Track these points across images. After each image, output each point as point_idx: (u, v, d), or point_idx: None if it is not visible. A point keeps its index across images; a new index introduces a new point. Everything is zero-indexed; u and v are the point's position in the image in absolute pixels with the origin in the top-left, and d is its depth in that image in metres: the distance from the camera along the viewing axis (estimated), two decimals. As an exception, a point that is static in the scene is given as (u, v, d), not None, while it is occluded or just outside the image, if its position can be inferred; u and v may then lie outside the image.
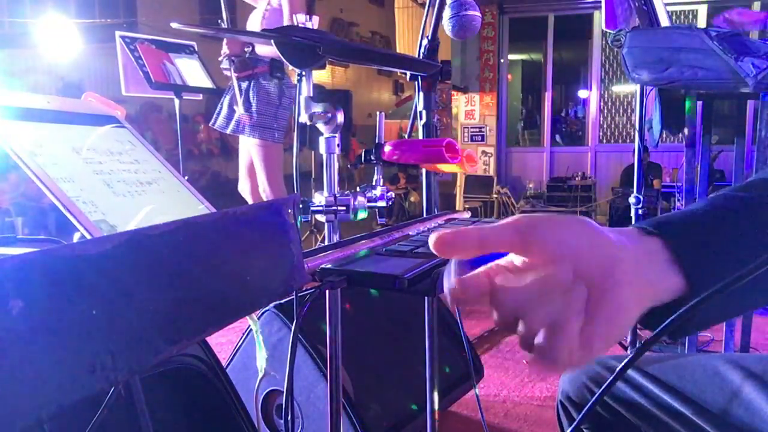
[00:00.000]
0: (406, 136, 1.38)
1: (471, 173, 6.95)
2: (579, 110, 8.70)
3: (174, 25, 1.09)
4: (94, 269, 0.33)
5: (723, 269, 0.43)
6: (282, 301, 1.63)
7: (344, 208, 0.99)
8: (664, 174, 5.23)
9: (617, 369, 0.41)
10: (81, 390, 0.31)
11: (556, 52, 7.70)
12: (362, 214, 1.01)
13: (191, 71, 2.98)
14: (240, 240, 0.44)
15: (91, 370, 0.32)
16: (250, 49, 2.79)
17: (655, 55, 1.66)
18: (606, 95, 7.38)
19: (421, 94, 1.16)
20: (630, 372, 0.80)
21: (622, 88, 7.30)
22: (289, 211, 0.50)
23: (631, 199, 2.48)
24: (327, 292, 0.88)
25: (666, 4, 1.93)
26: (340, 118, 0.96)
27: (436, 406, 1.12)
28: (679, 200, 4.10)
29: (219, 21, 2.83)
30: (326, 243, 0.78)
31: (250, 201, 3.07)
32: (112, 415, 0.75)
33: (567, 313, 0.39)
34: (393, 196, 1.12)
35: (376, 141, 1.12)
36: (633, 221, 2.47)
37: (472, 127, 7.35)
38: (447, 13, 1.15)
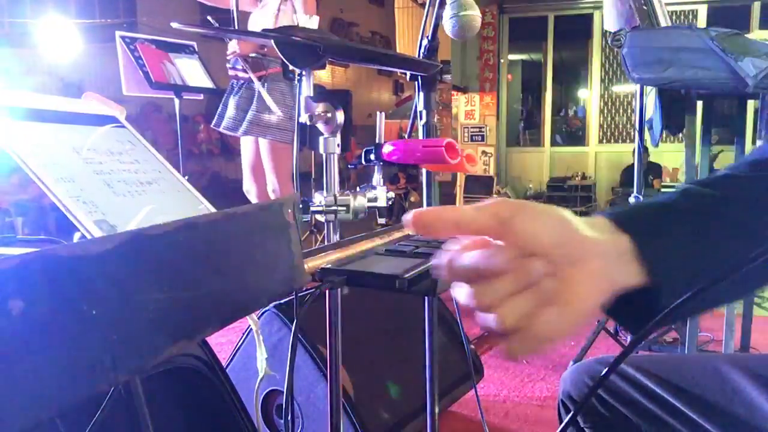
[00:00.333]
0: (406, 136, 1.38)
1: (471, 173, 6.94)
2: (579, 110, 8.70)
3: (174, 25, 1.09)
4: (94, 269, 0.33)
5: (690, 271, 0.45)
6: (282, 301, 1.63)
7: (344, 208, 0.99)
8: (664, 174, 5.23)
9: (608, 367, 0.42)
10: (81, 390, 0.31)
11: (556, 52, 7.70)
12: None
13: (191, 71, 2.98)
14: (240, 240, 0.44)
15: (91, 370, 0.32)
16: (265, 49, 2.76)
17: (655, 55, 1.66)
18: (606, 95, 7.38)
19: (421, 94, 1.16)
20: (631, 371, 0.80)
21: (622, 88, 7.30)
22: (289, 211, 0.50)
23: (631, 199, 2.48)
24: (327, 292, 0.88)
25: (666, 4, 1.93)
26: (340, 118, 0.96)
27: (436, 406, 1.12)
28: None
29: (209, 18, 2.80)
30: (326, 243, 0.78)
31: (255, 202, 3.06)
32: (112, 415, 0.75)
33: (534, 305, 0.41)
34: (393, 196, 1.12)
35: (376, 141, 1.12)
36: (633, 221, 2.47)
37: (472, 127, 7.34)
38: (447, 13, 1.15)
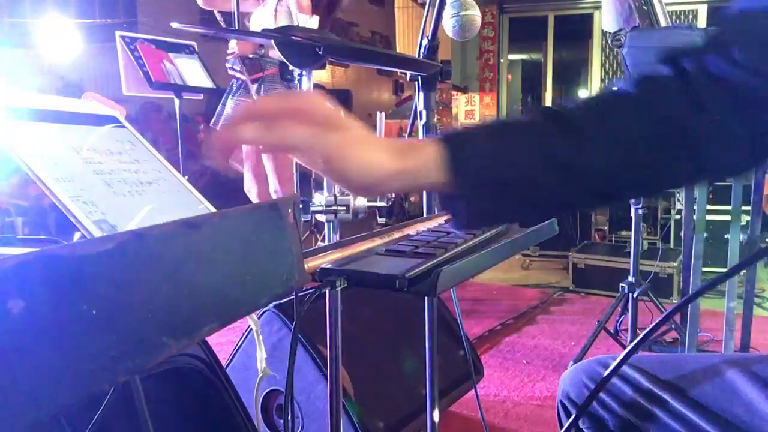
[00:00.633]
0: (406, 136, 1.38)
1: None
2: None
3: (174, 25, 1.09)
4: (94, 269, 0.33)
5: (487, 173, 0.55)
6: (282, 301, 1.63)
7: (344, 208, 0.99)
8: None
9: (617, 361, 0.43)
10: (81, 390, 0.31)
11: (556, 52, 7.69)
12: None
13: (191, 71, 2.98)
14: (240, 240, 0.44)
15: (91, 370, 0.32)
16: (263, 51, 2.77)
17: (655, 55, 1.66)
18: (606, 95, 7.37)
19: (421, 94, 1.16)
20: (630, 371, 0.80)
21: (622, 88, 7.28)
22: (289, 211, 0.50)
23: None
24: (327, 292, 0.88)
25: (666, 4, 1.93)
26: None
27: (436, 406, 1.12)
28: (679, 200, 4.10)
29: (219, 19, 2.81)
30: (326, 243, 0.78)
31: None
32: (112, 415, 0.75)
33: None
34: (393, 196, 1.12)
35: (376, 141, 1.12)
36: (633, 221, 2.47)
37: (472, 127, 7.33)
38: (447, 13, 1.15)
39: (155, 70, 2.78)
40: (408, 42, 8.07)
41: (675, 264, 3.44)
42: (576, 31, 7.64)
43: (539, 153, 0.56)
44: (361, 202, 1.01)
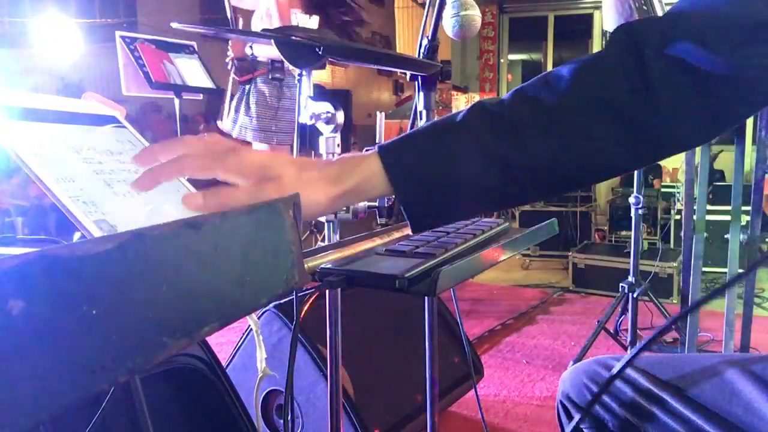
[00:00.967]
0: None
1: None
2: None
3: (174, 25, 1.09)
4: (94, 269, 0.33)
5: (424, 180, 0.57)
6: (282, 301, 1.63)
7: (344, 208, 0.99)
8: (664, 174, 5.23)
9: (617, 368, 0.43)
10: (81, 390, 0.31)
11: (556, 52, 7.70)
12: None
13: (191, 71, 2.98)
14: (240, 240, 0.44)
15: (91, 370, 0.32)
16: (251, 52, 2.80)
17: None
18: (606, 95, 7.37)
19: (421, 94, 1.16)
20: (630, 372, 0.80)
21: (622, 88, 7.29)
22: (289, 211, 0.50)
23: (631, 199, 2.48)
24: (327, 292, 0.88)
25: (666, 4, 1.93)
26: (340, 118, 0.96)
27: (436, 406, 1.12)
28: (679, 200, 4.10)
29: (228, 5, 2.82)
30: (326, 243, 0.78)
31: None
32: (112, 415, 0.75)
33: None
34: (394, 196, 1.12)
35: (376, 141, 1.12)
36: (633, 221, 2.48)
37: (472, 127, 7.33)
38: (447, 12, 1.15)
39: (155, 70, 2.78)
40: (408, 42, 8.07)
41: (675, 264, 3.44)
42: (576, 31, 7.64)
43: (475, 152, 0.57)
44: (361, 202, 1.01)
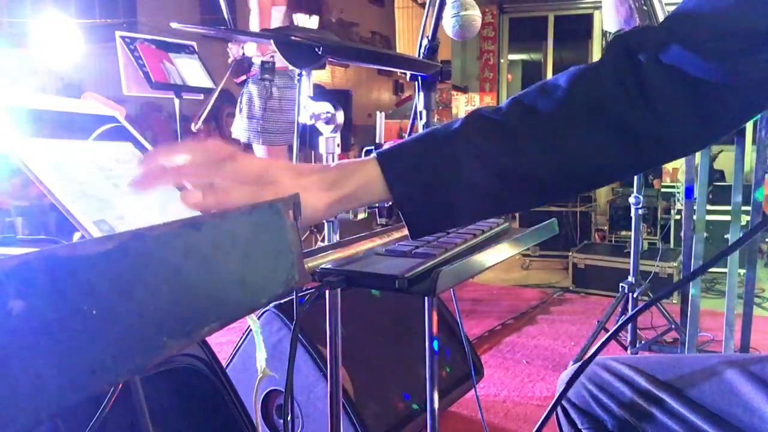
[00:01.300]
0: (406, 136, 1.38)
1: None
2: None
3: (174, 25, 1.09)
4: (94, 269, 0.33)
5: (422, 186, 0.57)
6: (282, 301, 1.63)
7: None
8: (664, 174, 5.23)
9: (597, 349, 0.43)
10: (81, 390, 0.31)
11: (556, 52, 7.69)
12: (362, 215, 1.01)
13: (191, 71, 2.98)
14: (240, 240, 0.44)
15: (91, 370, 0.32)
16: (242, 53, 2.84)
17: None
18: (606, 95, 7.36)
19: (421, 94, 1.16)
20: (630, 372, 0.80)
21: (622, 88, 7.28)
22: (289, 211, 0.50)
23: (631, 199, 2.48)
24: (327, 292, 0.88)
25: (666, 4, 1.93)
26: (340, 118, 0.96)
27: (436, 406, 1.12)
28: (679, 200, 4.10)
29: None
30: (326, 243, 0.78)
31: None
32: (112, 415, 0.75)
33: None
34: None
35: (376, 141, 1.12)
36: (633, 221, 2.48)
37: (472, 127, 7.32)
38: (447, 13, 1.15)
39: (155, 70, 2.78)
40: (408, 42, 8.07)
41: (675, 264, 3.44)
42: (576, 31, 7.63)
43: (473, 160, 0.57)
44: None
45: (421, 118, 1.18)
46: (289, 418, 0.63)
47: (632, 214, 2.49)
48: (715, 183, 4.04)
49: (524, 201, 0.61)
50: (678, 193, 4.16)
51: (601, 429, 0.81)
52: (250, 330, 1.66)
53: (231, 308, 0.43)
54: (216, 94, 2.91)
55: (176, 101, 2.86)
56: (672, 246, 4.15)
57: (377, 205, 1.04)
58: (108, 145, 0.66)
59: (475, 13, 1.15)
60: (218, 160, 0.55)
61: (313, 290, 0.61)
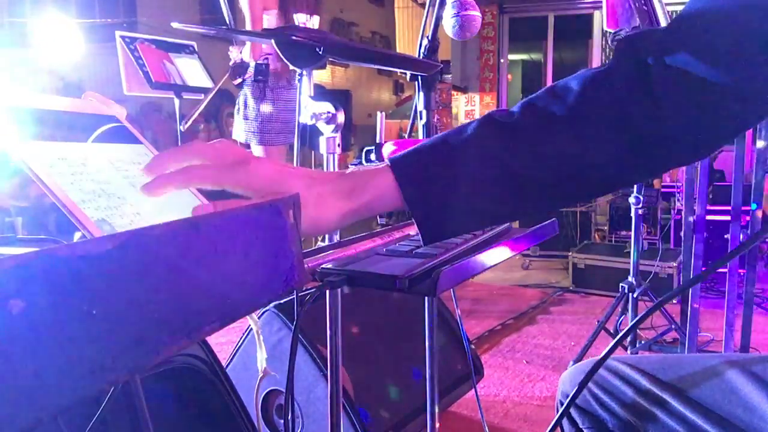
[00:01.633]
0: (406, 136, 1.38)
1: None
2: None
3: (174, 24, 1.09)
4: (94, 269, 0.33)
5: (437, 195, 0.57)
6: (282, 301, 1.63)
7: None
8: (664, 174, 5.23)
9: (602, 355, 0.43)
10: (81, 390, 0.31)
11: (556, 52, 7.69)
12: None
13: (191, 71, 2.99)
14: (240, 240, 0.44)
15: (91, 370, 0.32)
16: (240, 56, 2.88)
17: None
18: (606, 95, 7.36)
19: (421, 94, 1.16)
20: (630, 372, 0.80)
21: (622, 88, 7.28)
22: (289, 211, 0.50)
23: (631, 199, 2.48)
24: (327, 292, 0.88)
25: (666, 4, 1.93)
26: (340, 118, 0.96)
27: (436, 406, 1.12)
28: (679, 200, 4.10)
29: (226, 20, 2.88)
30: (326, 243, 0.78)
31: None
32: (112, 415, 0.75)
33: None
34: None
35: (377, 141, 1.12)
36: (633, 221, 2.48)
37: (472, 127, 7.32)
38: (447, 13, 1.15)
39: (155, 70, 2.78)
40: (408, 42, 8.07)
41: (675, 264, 3.44)
42: (576, 31, 7.64)
43: (487, 166, 0.57)
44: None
45: (421, 118, 1.18)
46: (289, 418, 0.63)
47: (632, 214, 2.49)
48: (715, 183, 4.03)
49: (539, 206, 0.61)
50: (678, 193, 4.16)
51: (602, 429, 0.81)
52: (250, 330, 1.66)
53: (231, 308, 0.43)
54: (210, 96, 2.91)
55: (176, 101, 2.86)
56: (672, 246, 4.15)
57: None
58: (123, 147, 0.66)
59: (474, 13, 1.15)
60: (229, 165, 0.54)
61: (313, 290, 0.61)
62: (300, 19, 1.02)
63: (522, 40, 8.35)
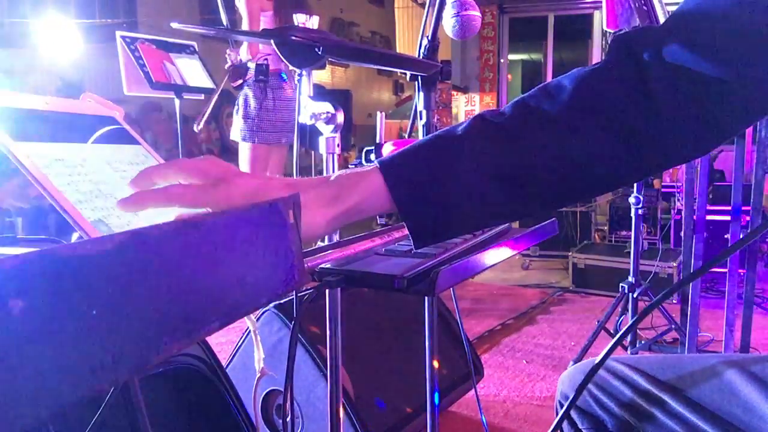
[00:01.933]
0: (406, 136, 1.38)
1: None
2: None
3: (174, 25, 1.09)
4: (94, 269, 0.33)
5: (426, 197, 0.56)
6: (282, 301, 1.63)
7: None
8: (664, 174, 5.23)
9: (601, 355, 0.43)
10: (81, 390, 0.31)
11: (556, 52, 7.70)
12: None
13: (192, 71, 2.99)
14: (240, 240, 0.44)
15: (91, 370, 0.32)
16: (238, 58, 2.91)
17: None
18: (606, 95, 7.36)
19: (421, 94, 1.16)
20: (629, 372, 0.80)
21: (622, 88, 7.28)
22: (289, 211, 0.50)
23: (631, 199, 2.48)
24: (327, 292, 0.88)
25: (666, 4, 1.93)
26: (340, 118, 0.96)
27: (436, 406, 1.12)
28: (679, 200, 4.10)
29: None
30: (326, 243, 0.78)
31: None
32: (112, 415, 0.75)
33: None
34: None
35: (376, 141, 1.12)
36: (633, 221, 2.48)
37: (472, 127, 7.33)
38: (447, 12, 1.15)
39: (156, 70, 2.79)
40: (408, 42, 8.07)
41: (675, 264, 3.44)
42: (576, 31, 7.64)
43: (478, 166, 0.56)
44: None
45: (421, 118, 1.18)
46: (288, 419, 0.63)
47: (632, 214, 2.49)
48: (715, 183, 4.03)
49: (531, 207, 0.60)
50: (678, 193, 4.16)
51: (601, 429, 0.81)
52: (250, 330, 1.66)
53: (231, 308, 0.43)
54: (216, 95, 2.92)
55: (176, 101, 2.87)
56: (672, 246, 4.15)
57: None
58: (121, 148, 0.66)
59: (474, 13, 1.15)
60: (210, 184, 0.53)
61: (312, 290, 0.61)
62: (299, 19, 1.02)
63: (522, 40, 8.36)
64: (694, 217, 2.00)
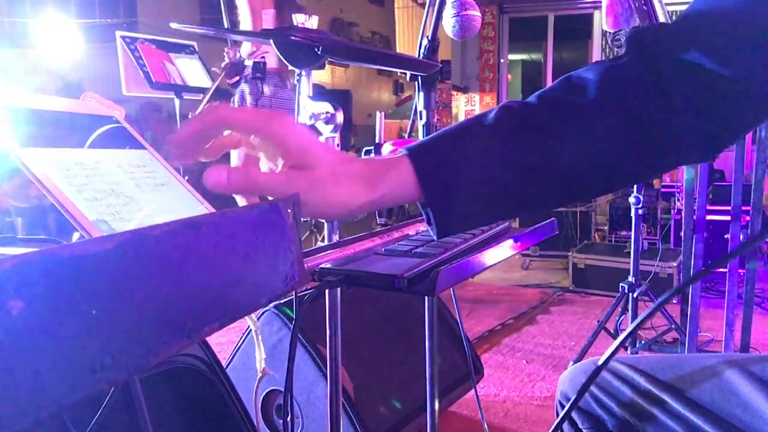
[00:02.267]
0: (406, 136, 1.38)
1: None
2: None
3: (174, 25, 1.09)
4: (94, 269, 0.33)
5: (456, 187, 0.55)
6: (282, 301, 1.63)
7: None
8: (664, 174, 5.23)
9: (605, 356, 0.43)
10: (81, 390, 0.31)
11: (556, 52, 7.70)
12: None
13: (191, 71, 2.99)
14: (240, 240, 0.44)
15: (91, 370, 0.32)
16: (238, 55, 2.91)
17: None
18: (606, 95, 7.37)
19: (421, 94, 1.16)
20: (629, 372, 0.80)
21: (622, 88, 7.28)
22: (289, 211, 0.50)
23: (631, 199, 2.48)
24: (327, 291, 0.88)
25: (666, 4, 1.93)
26: (340, 118, 0.96)
27: (436, 406, 1.12)
28: (679, 200, 4.10)
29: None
30: (326, 243, 0.78)
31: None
32: (112, 415, 0.75)
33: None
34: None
35: (376, 141, 1.12)
36: (633, 221, 2.48)
37: (472, 127, 7.33)
38: (447, 12, 1.15)
39: (156, 70, 2.79)
40: (408, 42, 8.07)
41: (675, 264, 3.44)
42: (576, 31, 7.64)
43: (507, 158, 0.56)
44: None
45: (421, 118, 1.18)
46: (289, 418, 0.63)
47: (632, 214, 2.49)
48: (715, 183, 4.03)
49: (552, 200, 0.60)
50: (678, 193, 4.16)
51: (601, 429, 0.81)
52: (250, 330, 1.66)
53: (231, 308, 0.43)
54: (210, 93, 2.92)
55: (176, 101, 2.87)
56: (672, 246, 4.15)
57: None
58: (128, 153, 0.67)
59: (474, 13, 1.15)
60: (266, 114, 0.52)
61: (312, 290, 0.61)
62: (299, 19, 1.02)
63: (522, 40, 8.36)
64: (694, 217, 2.00)
